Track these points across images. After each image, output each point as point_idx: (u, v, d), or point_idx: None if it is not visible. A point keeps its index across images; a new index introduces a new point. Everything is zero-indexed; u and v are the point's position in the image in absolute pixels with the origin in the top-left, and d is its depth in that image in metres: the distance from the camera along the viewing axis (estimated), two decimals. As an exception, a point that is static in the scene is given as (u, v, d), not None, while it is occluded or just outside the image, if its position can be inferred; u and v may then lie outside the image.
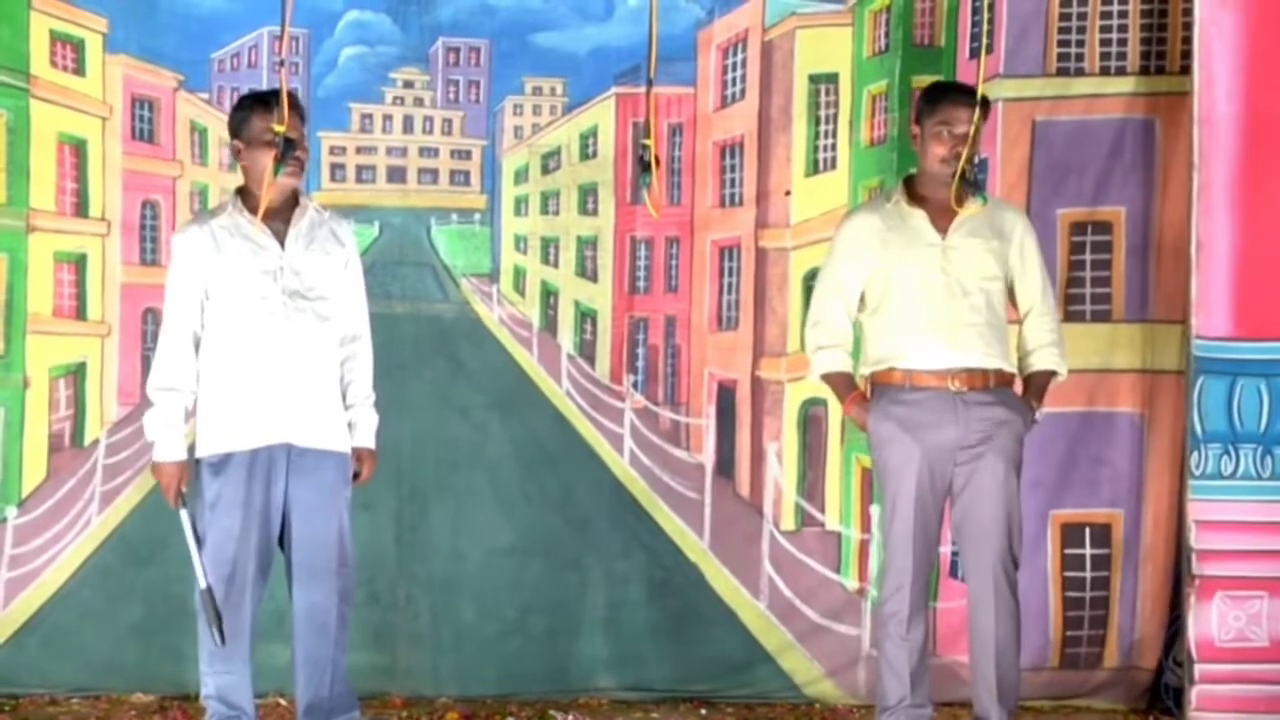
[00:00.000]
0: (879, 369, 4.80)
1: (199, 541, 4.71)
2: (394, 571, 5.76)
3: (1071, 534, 5.79)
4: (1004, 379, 4.78)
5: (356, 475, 4.85)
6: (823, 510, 5.90)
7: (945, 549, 5.78)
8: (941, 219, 4.77)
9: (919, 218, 4.77)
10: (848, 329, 4.85)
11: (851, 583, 5.86)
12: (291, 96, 4.72)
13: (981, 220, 4.77)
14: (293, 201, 4.80)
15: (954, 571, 5.80)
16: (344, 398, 4.83)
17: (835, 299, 4.84)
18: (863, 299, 4.83)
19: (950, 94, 4.81)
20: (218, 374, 4.74)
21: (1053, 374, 4.86)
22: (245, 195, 4.79)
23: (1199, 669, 5.30)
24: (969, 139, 4.71)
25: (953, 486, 4.75)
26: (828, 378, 4.86)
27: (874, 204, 4.96)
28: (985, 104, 4.76)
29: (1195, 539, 5.30)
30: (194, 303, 4.74)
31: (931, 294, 4.73)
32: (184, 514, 4.72)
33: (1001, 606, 4.73)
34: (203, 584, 4.67)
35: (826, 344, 4.84)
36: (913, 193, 4.80)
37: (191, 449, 4.78)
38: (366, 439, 4.86)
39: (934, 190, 4.77)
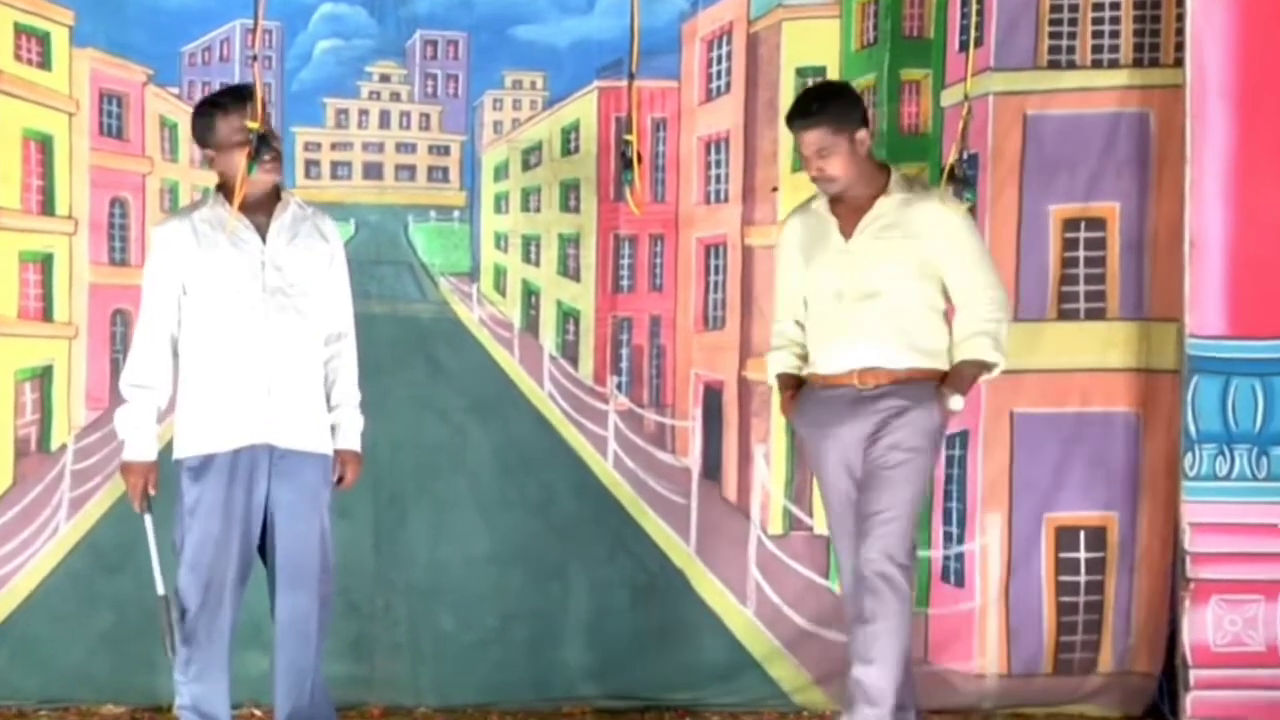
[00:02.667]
0: (806, 373, 5.07)
1: (178, 548, 4.76)
2: (372, 579, 5.81)
3: (1065, 537, 5.87)
4: (920, 375, 4.91)
5: (341, 479, 4.89)
6: (811, 514, 5.94)
7: (936, 553, 5.91)
8: (850, 223, 4.95)
9: (831, 224, 4.97)
10: (796, 331, 5.08)
11: (840, 587, 5.95)
12: (250, 90, 4.75)
13: (892, 218, 4.91)
14: (274, 196, 4.84)
15: (945, 576, 5.91)
16: (328, 398, 4.88)
17: (783, 302, 5.13)
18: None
19: (792, 119, 4.98)
20: (197, 372, 4.78)
21: (980, 364, 4.93)
22: (226, 192, 4.81)
23: (1194, 674, 5.39)
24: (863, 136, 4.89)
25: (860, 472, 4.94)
26: (778, 378, 5.12)
27: (803, 208, 5.13)
28: (824, 101, 4.93)
29: (1189, 541, 5.39)
30: (171, 298, 4.79)
31: (836, 301, 4.96)
32: (147, 518, 4.77)
33: (875, 597, 4.82)
34: (160, 590, 4.73)
35: (776, 345, 5.13)
36: (834, 196, 4.97)
37: (168, 449, 4.83)
38: (351, 441, 4.91)
39: (848, 190, 4.94)
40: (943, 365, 4.93)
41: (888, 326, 4.89)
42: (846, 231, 4.95)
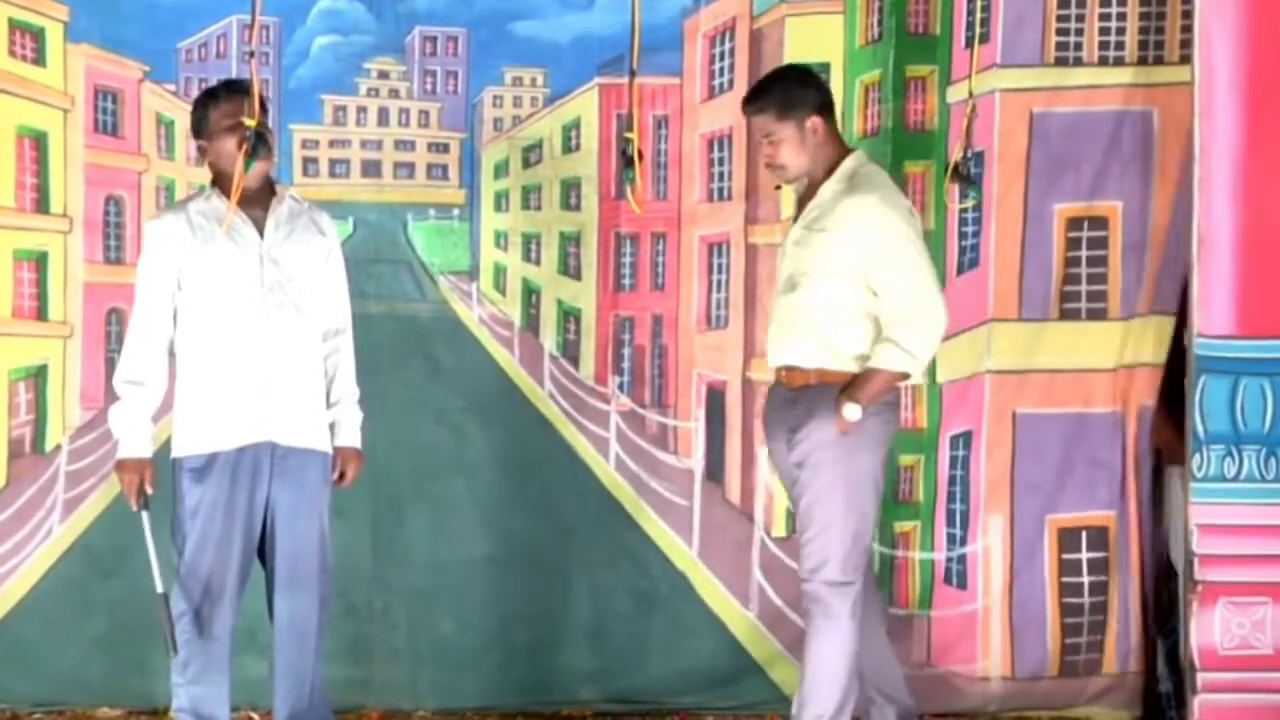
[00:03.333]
0: None
1: (178, 548, 4.75)
2: (370, 582, 5.78)
3: (1067, 538, 5.84)
4: (829, 378, 4.82)
5: (342, 476, 4.89)
6: (815, 515, 5.97)
7: (939, 555, 5.88)
8: (800, 213, 4.96)
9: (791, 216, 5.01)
10: None
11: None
12: (246, 84, 4.75)
13: (821, 210, 4.87)
14: (269, 190, 4.84)
15: (948, 578, 5.88)
16: (327, 395, 4.88)
17: None
18: None
19: (743, 104, 4.97)
20: (195, 369, 4.77)
21: (887, 374, 4.78)
22: (220, 185, 4.82)
23: (1201, 678, 5.33)
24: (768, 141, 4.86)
25: None
26: None
27: None
28: (772, 86, 4.92)
29: (1197, 543, 5.33)
30: (166, 293, 4.77)
31: (775, 291, 4.99)
32: (144, 516, 4.75)
33: (806, 617, 4.91)
34: (159, 589, 4.70)
35: None
36: (788, 184, 4.99)
37: (163, 448, 4.82)
38: (352, 438, 4.91)
39: (807, 182, 4.96)
40: (857, 369, 4.83)
41: (802, 322, 4.86)
42: (795, 221, 4.97)
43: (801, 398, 4.85)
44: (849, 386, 4.78)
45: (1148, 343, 5.74)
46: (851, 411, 4.75)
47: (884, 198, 4.86)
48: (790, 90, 4.88)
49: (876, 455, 4.87)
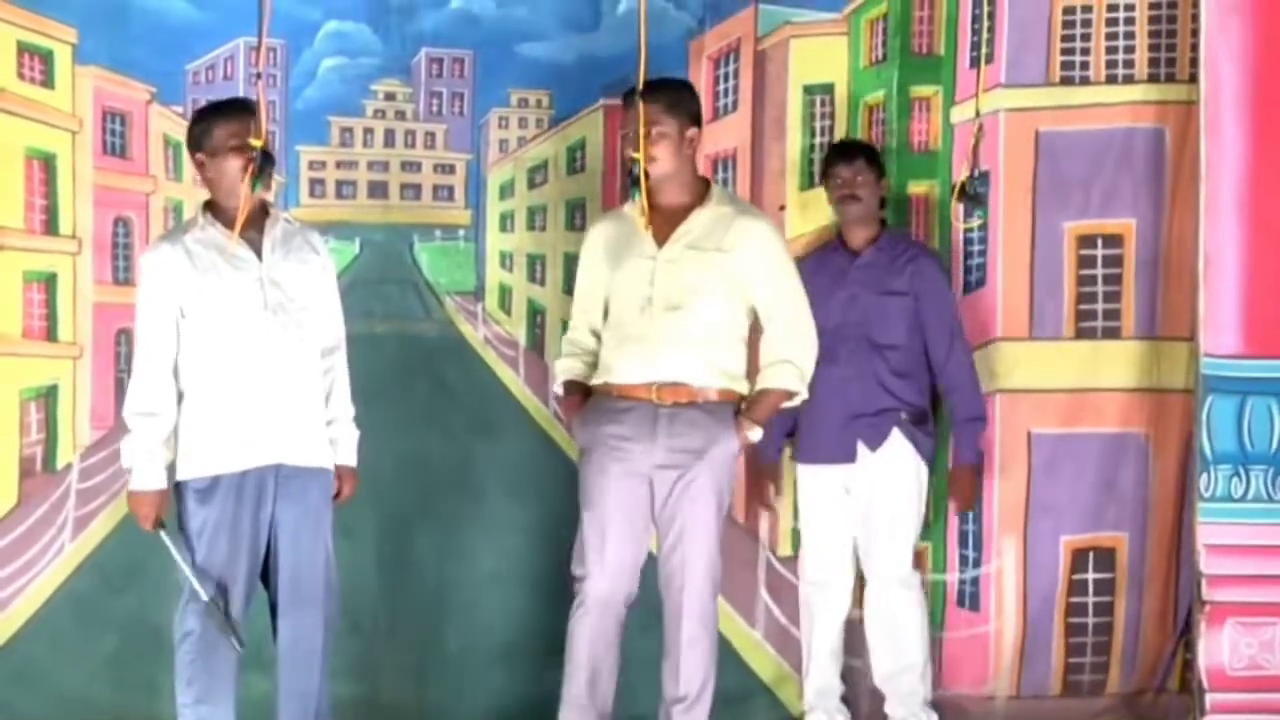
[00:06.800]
0: (596, 382, 4.94)
1: (191, 556, 4.71)
2: (376, 600, 5.71)
3: (1077, 559, 5.77)
4: (720, 397, 4.83)
5: (337, 495, 4.86)
6: (821, 535, 5.86)
7: (952, 576, 5.79)
8: (665, 229, 4.86)
9: (641, 230, 4.87)
10: (589, 340, 5.02)
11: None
12: (251, 105, 4.72)
13: (707, 230, 4.84)
14: (262, 213, 4.80)
15: (961, 600, 5.77)
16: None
17: (578, 308, 5.06)
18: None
19: (625, 96, 4.91)
20: (201, 394, 4.72)
21: (783, 393, 4.87)
22: (215, 210, 4.79)
23: (1210, 699, 5.27)
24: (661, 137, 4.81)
25: (654, 506, 4.85)
26: (564, 384, 5.05)
27: (615, 212, 5.10)
28: (664, 84, 4.86)
29: (1204, 564, 5.27)
30: (169, 323, 4.73)
31: (639, 310, 4.85)
32: (164, 534, 4.72)
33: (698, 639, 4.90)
34: (204, 596, 4.66)
35: (565, 352, 5.07)
36: (652, 200, 4.85)
37: (169, 471, 4.78)
38: (348, 456, 4.87)
39: (663, 196, 4.86)
40: (741, 388, 4.86)
41: (692, 342, 4.81)
42: (659, 238, 4.85)
43: (686, 418, 4.80)
44: (750, 408, 4.84)
45: (1181, 367, 5.62)
46: (756, 434, 4.84)
47: (771, 224, 5.00)
48: (687, 93, 4.92)
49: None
